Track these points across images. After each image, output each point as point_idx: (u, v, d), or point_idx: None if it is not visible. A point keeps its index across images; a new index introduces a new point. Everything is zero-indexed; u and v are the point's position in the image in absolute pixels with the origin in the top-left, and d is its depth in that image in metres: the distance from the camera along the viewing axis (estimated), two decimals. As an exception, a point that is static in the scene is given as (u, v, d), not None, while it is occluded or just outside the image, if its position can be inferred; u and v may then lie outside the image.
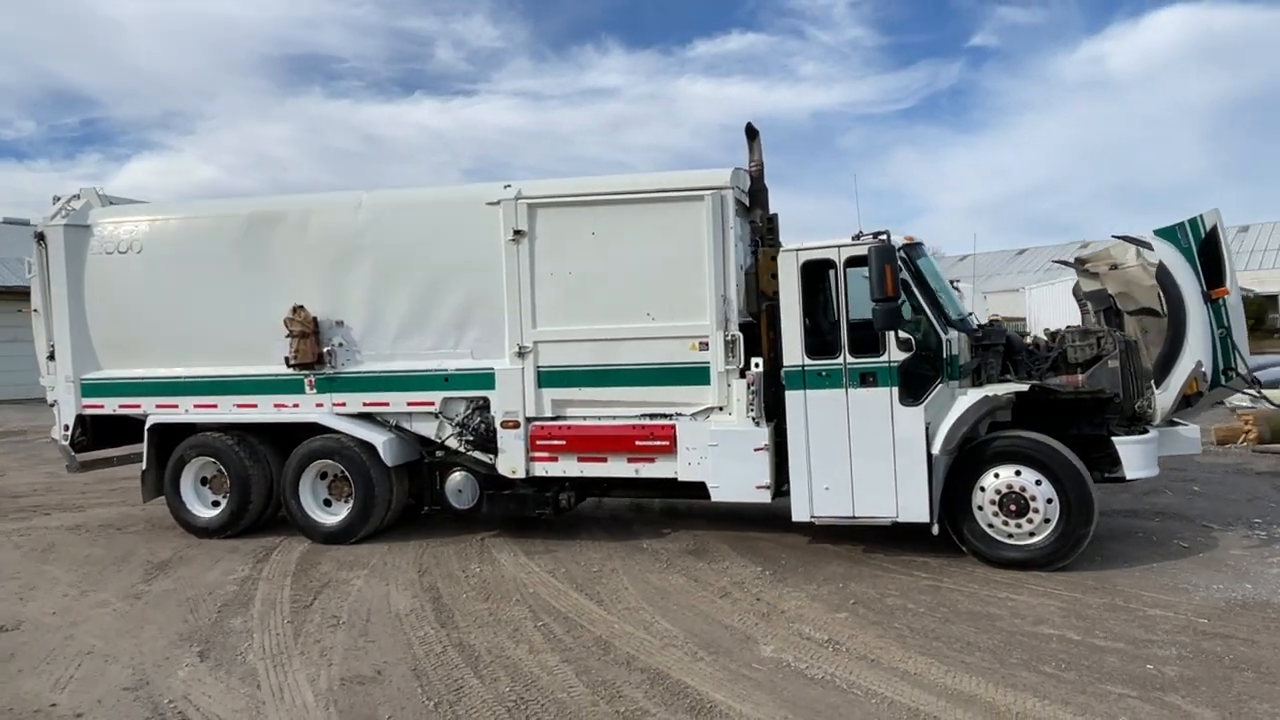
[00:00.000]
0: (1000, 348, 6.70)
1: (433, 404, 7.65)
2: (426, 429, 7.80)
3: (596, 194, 7.29)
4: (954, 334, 6.48)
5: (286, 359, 7.83)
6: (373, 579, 6.60)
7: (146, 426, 8.29)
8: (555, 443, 7.31)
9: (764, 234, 7.25)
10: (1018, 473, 6.26)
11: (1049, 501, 6.16)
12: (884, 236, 6.28)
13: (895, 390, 6.38)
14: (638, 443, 7.11)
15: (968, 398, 6.33)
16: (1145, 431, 6.35)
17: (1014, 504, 6.23)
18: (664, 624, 5.41)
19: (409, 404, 7.73)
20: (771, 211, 7.45)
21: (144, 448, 8.35)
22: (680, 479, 7.06)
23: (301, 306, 7.76)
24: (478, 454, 7.61)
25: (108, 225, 8.45)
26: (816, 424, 6.57)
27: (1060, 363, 6.72)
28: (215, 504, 8.34)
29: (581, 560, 6.98)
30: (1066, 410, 6.49)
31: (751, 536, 7.51)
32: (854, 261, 6.53)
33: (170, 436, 8.39)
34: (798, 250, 6.67)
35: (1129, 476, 6.22)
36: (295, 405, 7.97)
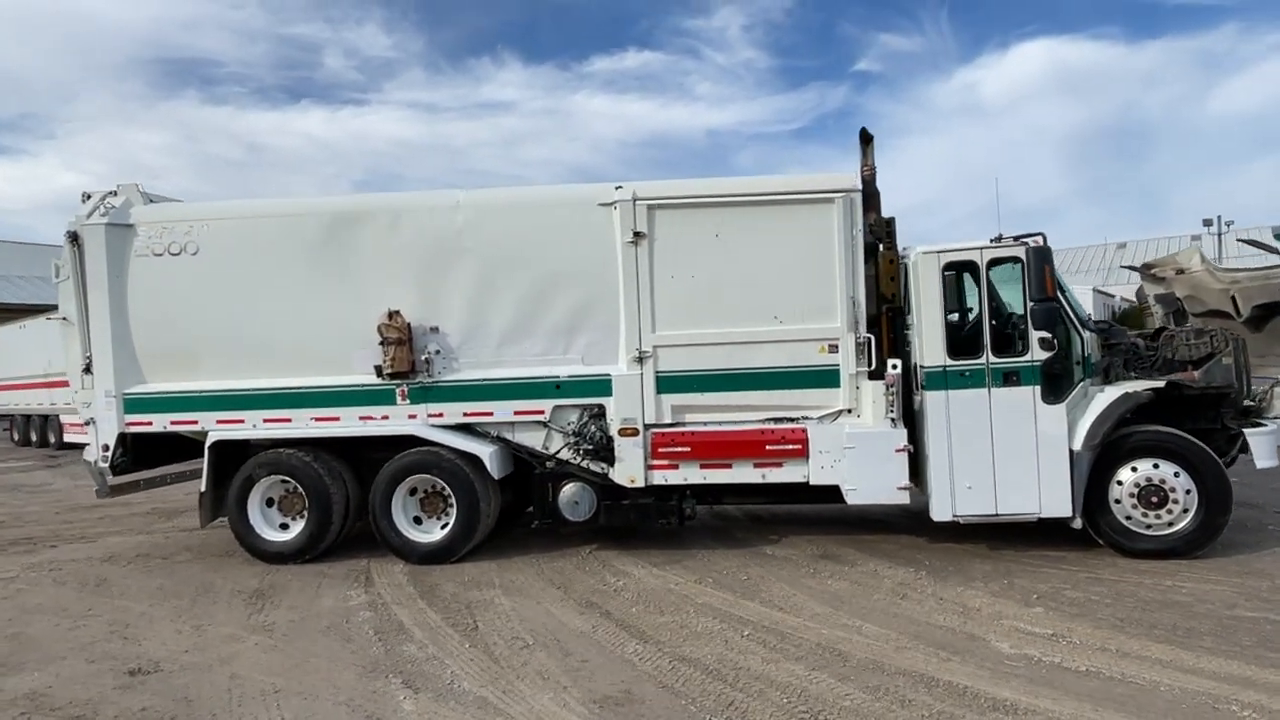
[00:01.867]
0: (1122, 346, 6.97)
1: (543, 413, 7.32)
2: (532, 439, 7.45)
3: (721, 195, 7.18)
4: (1088, 333, 6.71)
5: (377, 368, 7.33)
6: (517, 598, 6.23)
7: (207, 444, 7.59)
8: (678, 450, 7.12)
9: (882, 237, 7.29)
10: (1156, 465, 6.51)
11: (1188, 492, 6.43)
12: (1039, 238, 6.45)
13: (1038, 389, 6.54)
14: (768, 447, 7.01)
15: (1107, 395, 6.55)
16: (1262, 424, 6.73)
17: (1154, 496, 6.47)
18: (872, 627, 5.32)
19: (516, 413, 7.36)
20: (888, 215, 7.50)
21: (203, 467, 7.64)
22: (812, 483, 6.99)
23: (398, 312, 7.28)
24: (589, 463, 7.32)
25: (156, 224, 7.72)
26: (959, 423, 6.65)
27: (1169, 359, 7.03)
28: (283, 526, 7.71)
29: (718, 569, 6.81)
30: (1188, 405, 6.79)
31: (868, 540, 7.52)
32: (996, 262, 6.67)
33: (227, 455, 7.71)
34: (940, 252, 6.76)
35: (1259, 465, 6.56)
36: (385, 417, 7.46)
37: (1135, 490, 6.51)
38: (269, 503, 7.72)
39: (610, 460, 7.22)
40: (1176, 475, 6.46)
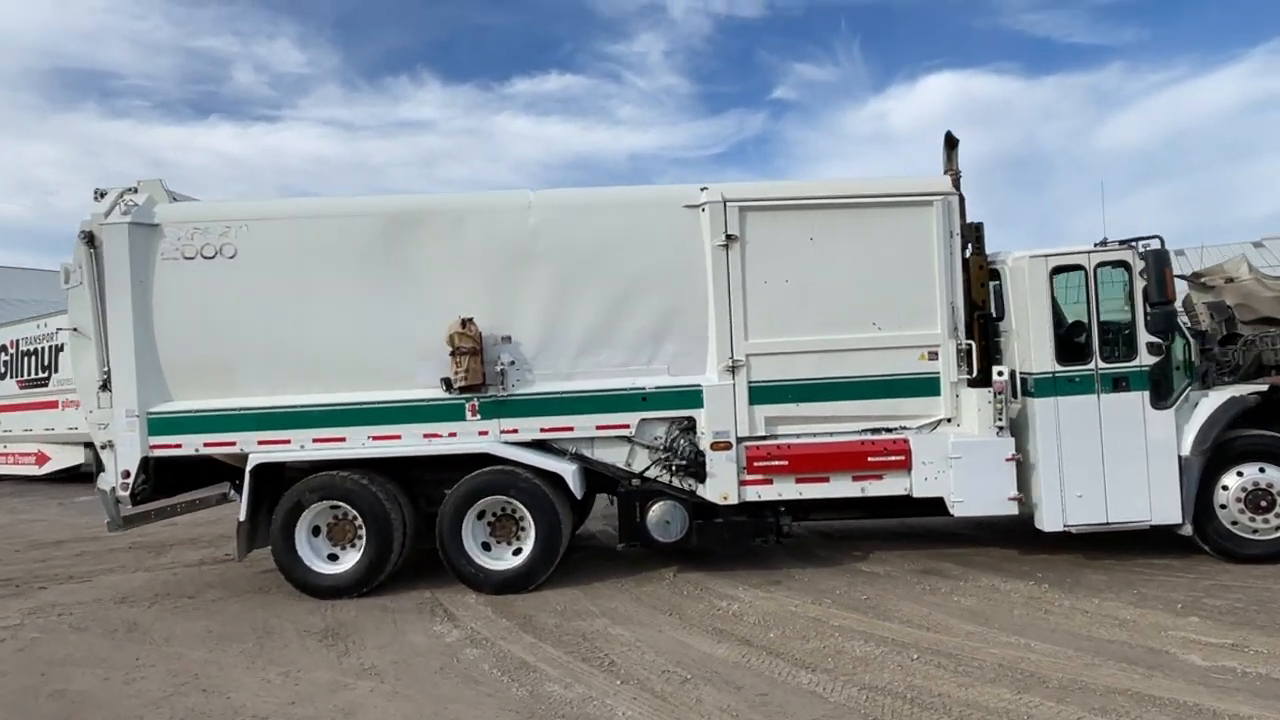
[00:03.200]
0: (1213, 351, 6.97)
1: (628, 427, 6.85)
2: (613, 455, 6.96)
3: (815, 198, 6.89)
4: (1192, 338, 6.68)
5: (446, 380, 6.75)
6: (631, 627, 5.72)
7: (249, 468, 6.83)
8: (775, 464, 6.75)
9: (971, 242, 7.12)
10: (1262, 470, 6.49)
11: (1289, 495, 6.44)
12: (1156, 241, 6.39)
13: (1147, 394, 6.46)
14: (870, 459, 6.71)
15: (1212, 399, 6.51)
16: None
17: (1263, 500, 6.45)
18: (1040, 644, 5.05)
19: (598, 427, 6.86)
20: (975, 220, 7.33)
21: (242, 493, 6.87)
22: (915, 495, 6.73)
23: (471, 320, 6.72)
24: (675, 480, 6.88)
25: (186, 224, 6.96)
26: (1068, 431, 6.51)
27: (1257, 364, 7.06)
28: (332, 557, 6.98)
29: (827, 588, 6.45)
30: (1275, 409, 6.80)
31: (959, 553, 7.31)
32: (1102, 266, 6.58)
33: (263, 480, 6.96)
34: (1046, 256, 6.62)
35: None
36: (452, 434, 6.85)
37: (1242, 495, 6.48)
38: (314, 531, 6.99)
39: (700, 476, 6.80)
40: (1284, 478, 6.45)
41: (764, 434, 6.84)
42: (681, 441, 6.82)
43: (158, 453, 6.91)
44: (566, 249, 6.89)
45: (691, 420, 6.84)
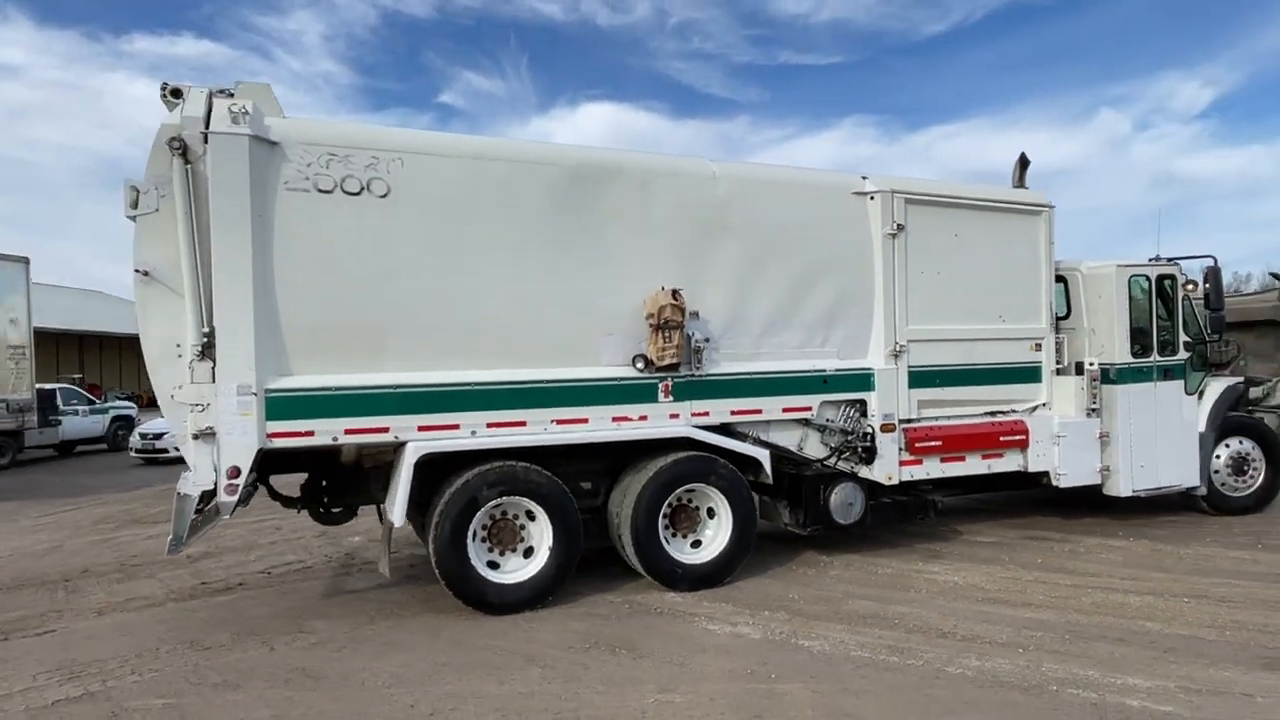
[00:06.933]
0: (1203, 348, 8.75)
1: (809, 409, 6.74)
2: (787, 439, 6.78)
3: (963, 198, 7.40)
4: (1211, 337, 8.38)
5: (643, 358, 6.12)
6: (906, 606, 5.69)
7: (411, 460, 5.47)
8: (931, 444, 7.12)
9: (1040, 251, 8.15)
10: (1241, 442, 8.38)
11: (1258, 461, 8.40)
12: (1211, 259, 7.91)
13: (1183, 383, 8.01)
14: (1001, 439, 7.40)
15: (1215, 388, 8.25)
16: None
17: (1242, 465, 8.33)
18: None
19: (783, 410, 6.65)
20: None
21: (400, 489, 5.47)
22: (1030, 470, 7.54)
23: (680, 291, 6.13)
24: (841, 462, 6.92)
25: (319, 148, 5.46)
26: (1135, 412, 7.81)
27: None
28: (492, 565, 5.86)
29: (987, 558, 6.96)
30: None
31: (1013, 522, 8.28)
32: (1162, 278, 7.99)
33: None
34: (1127, 266, 7.85)
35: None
36: (643, 418, 6.18)
37: (1230, 462, 8.31)
38: (471, 536, 5.79)
39: (869, 458, 6.93)
40: (1254, 448, 8.40)
41: (914, 417, 7.17)
42: (858, 424, 6.89)
43: (278, 443, 5.25)
44: (754, 224, 6.60)
45: (863, 403, 6.93)
